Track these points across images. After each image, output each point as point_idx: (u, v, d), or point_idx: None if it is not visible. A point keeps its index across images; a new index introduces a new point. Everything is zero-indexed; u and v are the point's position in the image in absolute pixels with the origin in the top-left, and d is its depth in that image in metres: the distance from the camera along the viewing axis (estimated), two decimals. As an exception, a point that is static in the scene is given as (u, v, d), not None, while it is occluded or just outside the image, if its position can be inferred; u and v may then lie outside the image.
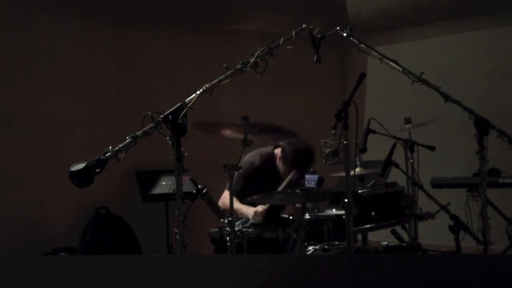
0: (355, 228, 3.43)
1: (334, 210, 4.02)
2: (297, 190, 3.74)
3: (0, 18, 5.06)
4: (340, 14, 6.59)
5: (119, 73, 5.88)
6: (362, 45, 3.49)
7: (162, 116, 2.82)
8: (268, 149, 4.35)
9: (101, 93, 5.72)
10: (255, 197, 3.79)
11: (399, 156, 4.16)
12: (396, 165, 4.07)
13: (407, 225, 4.09)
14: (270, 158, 4.33)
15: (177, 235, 2.84)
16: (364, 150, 3.92)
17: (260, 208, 3.99)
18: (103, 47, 5.76)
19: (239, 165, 4.00)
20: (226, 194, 4.13)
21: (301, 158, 4.18)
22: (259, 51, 3.14)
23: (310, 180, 4.32)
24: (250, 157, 4.28)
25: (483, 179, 3.64)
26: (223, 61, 3.08)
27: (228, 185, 4.14)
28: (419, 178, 4.22)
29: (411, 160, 4.20)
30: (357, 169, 3.90)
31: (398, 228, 4.08)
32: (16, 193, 5.06)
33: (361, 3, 6.63)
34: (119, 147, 2.71)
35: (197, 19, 6.11)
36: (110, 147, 2.70)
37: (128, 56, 5.91)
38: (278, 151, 4.32)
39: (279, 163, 4.30)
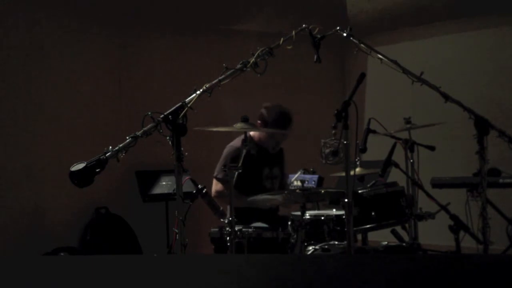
0: (355, 228, 3.43)
1: (334, 210, 4.02)
2: (297, 190, 3.74)
3: (1, 19, 5.07)
4: (340, 14, 6.60)
5: (119, 73, 5.88)
6: (362, 45, 3.48)
7: (162, 116, 2.82)
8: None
9: (101, 93, 5.73)
10: (255, 197, 3.80)
11: (399, 156, 4.16)
12: (396, 165, 4.07)
13: (407, 225, 4.09)
14: (250, 139, 4.41)
15: (177, 235, 2.84)
16: (364, 150, 3.92)
17: None
18: (103, 47, 5.76)
19: (224, 151, 4.29)
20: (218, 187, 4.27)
21: (280, 116, 4.36)
22: (259, 51, 3.14)
23: (310, 180, 4.32)
24: (235, 142, 4.35)
25: (483, 179, 3.64)
26: (223, 61, 3.08)
27: (216, 173, 4.25)
28: (419, 178, 4.22)
29: (411, 160, 4.20)
30: (357, 169, 3.90)
31: (398, 228, 4.08)
32: (16, 193, 5.07)
33: (361, 3, 6.63)
34: (119, 147, 2.71)
35: (197, 19, 6.11)
36: (110, 147, 2.70)
37: (128, 56, 5.91)
38: (252, 133, 4.41)
39: (260, 136, 4.42)
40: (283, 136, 4.46)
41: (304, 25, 3.30)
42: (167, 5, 5.86)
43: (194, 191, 3.37)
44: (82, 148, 5.21)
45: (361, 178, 4.04)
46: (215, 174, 4.30)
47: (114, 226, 5.61)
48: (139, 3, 5.79)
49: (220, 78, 3.04)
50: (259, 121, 4.39)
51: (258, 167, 4.38)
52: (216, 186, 4.28)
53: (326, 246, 3.72)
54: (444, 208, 3.84)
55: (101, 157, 2.65)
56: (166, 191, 5.60)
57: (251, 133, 4.43)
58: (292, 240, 3.64)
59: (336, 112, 3.10)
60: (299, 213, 3.67)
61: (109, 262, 2.06)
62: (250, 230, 3.58)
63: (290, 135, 4.53)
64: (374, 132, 4.06)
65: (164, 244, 5.44)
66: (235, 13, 6.29)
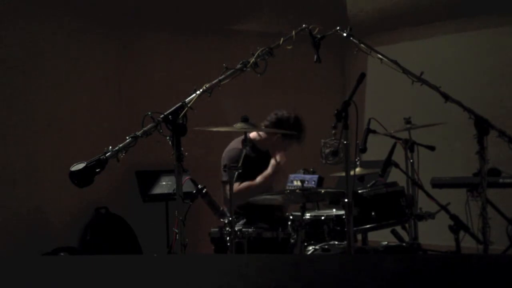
0: (355, 228, 3.43)
1: (334, 210, 4.02)
2: (297, 190, 3.73)
3: (0, 19, 5.07)
4: (340, 14, 6.59)
5: (119, 73, 5.88)
6: (362, 45, 3.48)
7: (162, 116, 2.81)
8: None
9: (101, 93, 5.72)
10: (255, 198, 3.79)
11: (399, 156, 4.16)
12: (396, 165, 4.06)
13: (407, 225, 4.09)
14: (250, 141, 4.39)
15: (177, 235, 2.84)
16: (364, 150, 3.92)
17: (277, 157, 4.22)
18: (103, 47, 5.76)
19: (224, 155, 4.29)
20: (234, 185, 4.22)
21: (291, 121, 4.42)
22: (259, 51, 3.14)
23: (310, 180, 4.32)
24: (234, 144, 4.34)
25: (483, 179, 3.64)
26: (223, 61, 3.08)
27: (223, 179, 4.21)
28: (419, 178, 4.22)
29: (411, 160, 4.20)
30: (357, 169, 3.89)
31: (398, 228, 4.08)
32: (16, 193, 5.07)
33: (361, 3, 6.63)
34: (119, 147, 2.70)
35: (197, 19, 6.11)
36: (110, 147, 2.70)
37: (128, 56, 5.91)
38: (252, 134, 4.42)
39: (263, 138, 4.44)
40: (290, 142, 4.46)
41: (304, 25, 3.30)
42: (167, 5, 5.86)
43: (194, 191, 3.37)
44: (82, 148, 5.21)
45: (361, 178, 4.03)
46: (223, 179, 4.24)
47: (114, 226, 5.61)
48: (139, 3, 5.79)
49: (220, 78, 3.04)
50: (268, 122, 4.38)
51: (258, 170, 4.37)
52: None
53: (326, 246, 3.72)
54: (444, 208, 3.84)
55: (101, 157, 2.64)
56: (166, 191, 5.60)
57: (251, 135, 4.42)
58: (292, 240, 3.64)
59: (336, 112, 3.10)
60: (299, 213, 3.67)
61: (109, 262, 2.06)
62: (250, 230, 3.58)
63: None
64: (374, 132, 4.06)
65: (164, 244, 5.44)
66: (235, 13, 6.29)
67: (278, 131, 4.34)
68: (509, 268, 1.75)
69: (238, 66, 3.09)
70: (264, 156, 4.46)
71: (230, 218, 3.34)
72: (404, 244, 3.97)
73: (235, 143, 4.33)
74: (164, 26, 6.05)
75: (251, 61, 3.10)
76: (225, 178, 4.20)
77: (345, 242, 3.21)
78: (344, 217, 3.21)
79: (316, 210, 4.25)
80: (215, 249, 3.67)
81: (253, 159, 4.27)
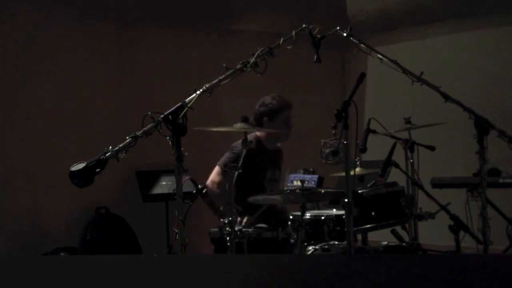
0: (355, 228, 3.43)
1: (334, 210, 4.02)
2: (297, 190, 3.73)
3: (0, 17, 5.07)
4: (340, 14, 6.60)
5: (119, 73, 5.88)
6: (362, 45, 3.48)
7: (162, 116, 2.81)
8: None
9: (101, 93, 5.72)
10: (255, 197, 3.79)
11: (399, 156, 4.16)
12: (396, 165, 4.06)
13: (407, 225, 4.09)
14: (256, 140, 4.42)
15: (177, 235, 2.84)
16: (364, 150, 3.92)
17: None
18: (103, 46, 5.76)
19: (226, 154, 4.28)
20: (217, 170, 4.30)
21: (283, 98, 4.49)
22: (259, 51, 3.14)
23: (310, 180, 4.32)
24: (238, 144, 4.33)
25: (483, 179, 3.63)
26: (223, 61, 3.08)
27: (220, 161, 4.28)
28: (419, 178, 4.22)
29: (411, 160, 4.20)
30: (357, 169, 3.89)
31: (398, 228, 4.08)
32: (16, 193, 5.07)
33: (361, 3, 6.63)
34: (119, 147, 2.70)
35: (197, 19, 6.12)
36: (110, 147, 2.70)
37: (128, 56, 5.91)
38: (259, 134, 4.46)
39: (267, 135, 4.44)
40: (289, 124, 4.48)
41: (304, 25, 3.30)
42: (167, 5, 5.86)
43: (194, 191, 3.37)
44: (82, 148, 5.22)
45: (361, 178, 4.03)
46: (219, 162, 4.31)
47: (114, 226, 5.61)
48: (139, 2, 5.79)
49: (220, 78, 3.04)
50: (265, 118, 4.40)
51: (263, 169, 4.37)
52: (217, 176, 4.28)
53: (326, 246, 3.72)
54: (444, 208, 3.84)
55: (101, 157, 2.64)
56: (166, 191, 5.60)
57: (257, 134, 4.42)
58: (292, 240, 3.64)
59: (336, 112, 3.10)
60: (299, 213, 3.67)
61: (109, 262, 2.06)
62: (250, 230, 3.58)
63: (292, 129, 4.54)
64: (374, 132, 4.06)
65: (164, 244, 5.44)
66: (235, 13, 6.29)
67: (274, 130, 4.33)
68: (509, 268, 1.75)
69: (238, 66, 3.09)
70: (269, 155, 4.46)
71: (230, 218, 3.34)
72: (404, 244, 3.97)
73: (239, 143, 4.33)
74: (164, 26, 6.05)
75: (251, 61, 3.10)
76: (220, 162, 4.28)
77: (345, 242, 3.21)
78: (344, 217, 3.21)
79: (316, 210, 4.25)
80: (215, 249, 3.67)
81: (260, 158, 4.29)
